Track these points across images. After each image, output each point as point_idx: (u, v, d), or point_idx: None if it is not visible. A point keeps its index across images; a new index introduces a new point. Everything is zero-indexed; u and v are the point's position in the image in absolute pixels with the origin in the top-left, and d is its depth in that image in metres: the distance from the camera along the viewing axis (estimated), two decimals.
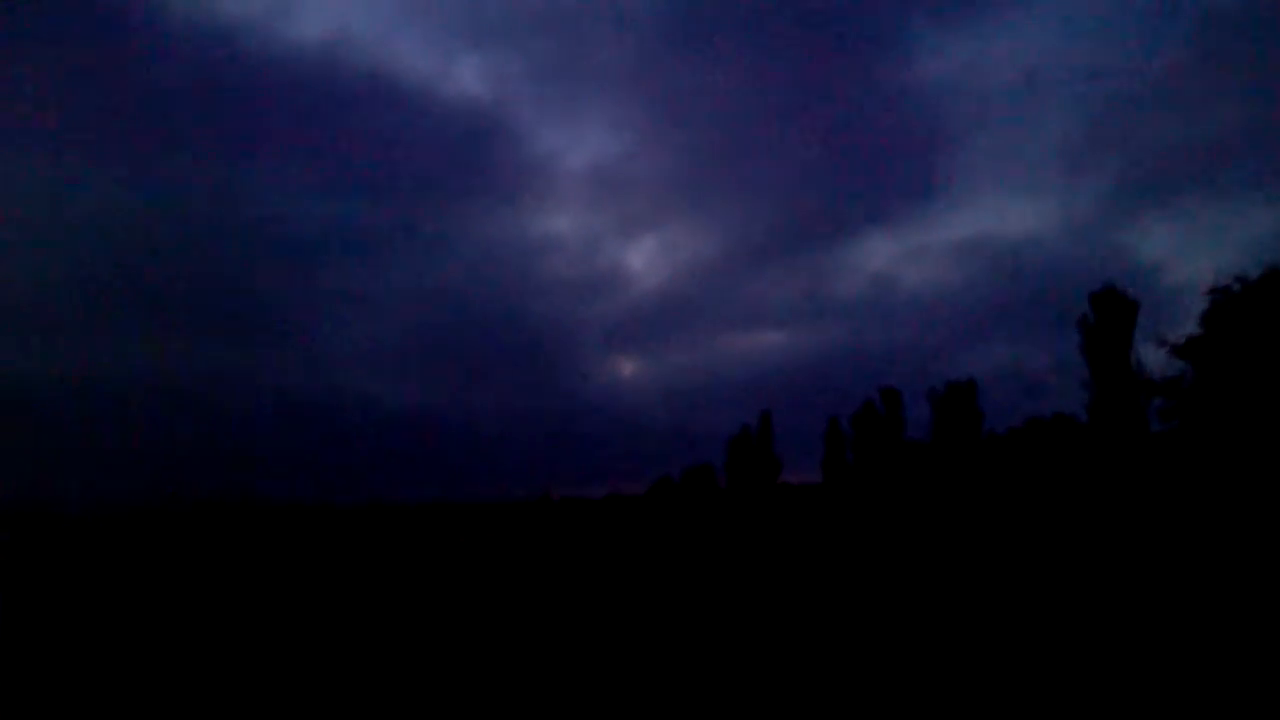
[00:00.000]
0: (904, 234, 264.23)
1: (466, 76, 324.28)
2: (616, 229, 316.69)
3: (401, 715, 9.17)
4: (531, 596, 20.82)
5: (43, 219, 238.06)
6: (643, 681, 10.31)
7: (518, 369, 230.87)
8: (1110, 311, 32.37)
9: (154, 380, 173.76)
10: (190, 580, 27.81)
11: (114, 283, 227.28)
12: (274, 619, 18.01)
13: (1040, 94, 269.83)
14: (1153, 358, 33.68)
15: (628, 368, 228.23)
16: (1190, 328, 25.25)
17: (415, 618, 17.61)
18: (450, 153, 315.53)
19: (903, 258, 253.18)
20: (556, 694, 9.84)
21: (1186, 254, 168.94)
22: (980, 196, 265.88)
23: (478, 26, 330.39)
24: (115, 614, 18.63)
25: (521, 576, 26.39)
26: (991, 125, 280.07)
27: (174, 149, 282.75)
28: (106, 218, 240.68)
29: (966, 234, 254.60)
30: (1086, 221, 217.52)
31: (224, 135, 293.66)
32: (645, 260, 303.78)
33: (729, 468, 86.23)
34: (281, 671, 12.02)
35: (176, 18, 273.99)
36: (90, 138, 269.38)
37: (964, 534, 36.00)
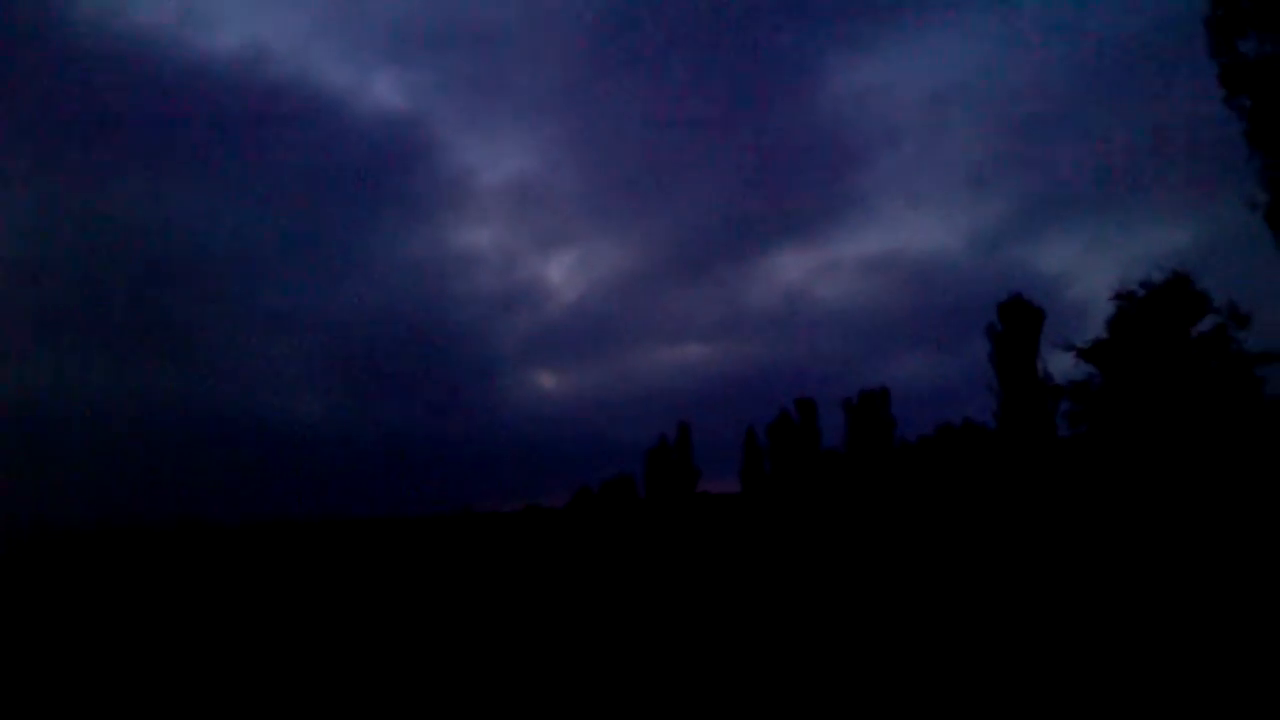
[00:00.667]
0: (817, 249, 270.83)
1: (384, 90, 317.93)
2: (535, 243, 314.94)
3: None
4: (454, 609, 20.29)
5: None
6: (567, 694, 10.08)
7: (437, 384, 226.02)
8: (1017, 320, 33.34)
9: (71, 405, 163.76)
10: (131, 602, 26.08)
11: (19, 307, 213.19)
12: (202, 640, 17.16)
13: (947, 115, 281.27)
14: (1058, 365, 34.98)
15: (547, 381, 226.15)
16: (1095, 334, 26.09)
17: (339, 634, 17.09)
18: (369, 166, 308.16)
19: (816, 272, 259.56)
20: (481, 708, 9.61)
21: (1087, 269, 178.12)
22: (890, 213, 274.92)
23: (396, 40, 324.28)
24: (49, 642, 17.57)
25: (445, 591, 25.63)
26: (900, 144, 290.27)
27: (80, 164, 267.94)
28: (9, 238, 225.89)
29: (877, 249, 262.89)
30: (992, 237, 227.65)
31: (132, 149, 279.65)
32: (564, 274, 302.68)
33: (648, 478, 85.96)
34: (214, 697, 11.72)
35: (81, 24, 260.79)
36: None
37: (878, 540, 36.54)
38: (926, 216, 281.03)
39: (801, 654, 11.59)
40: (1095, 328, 26.38)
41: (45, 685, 14.73)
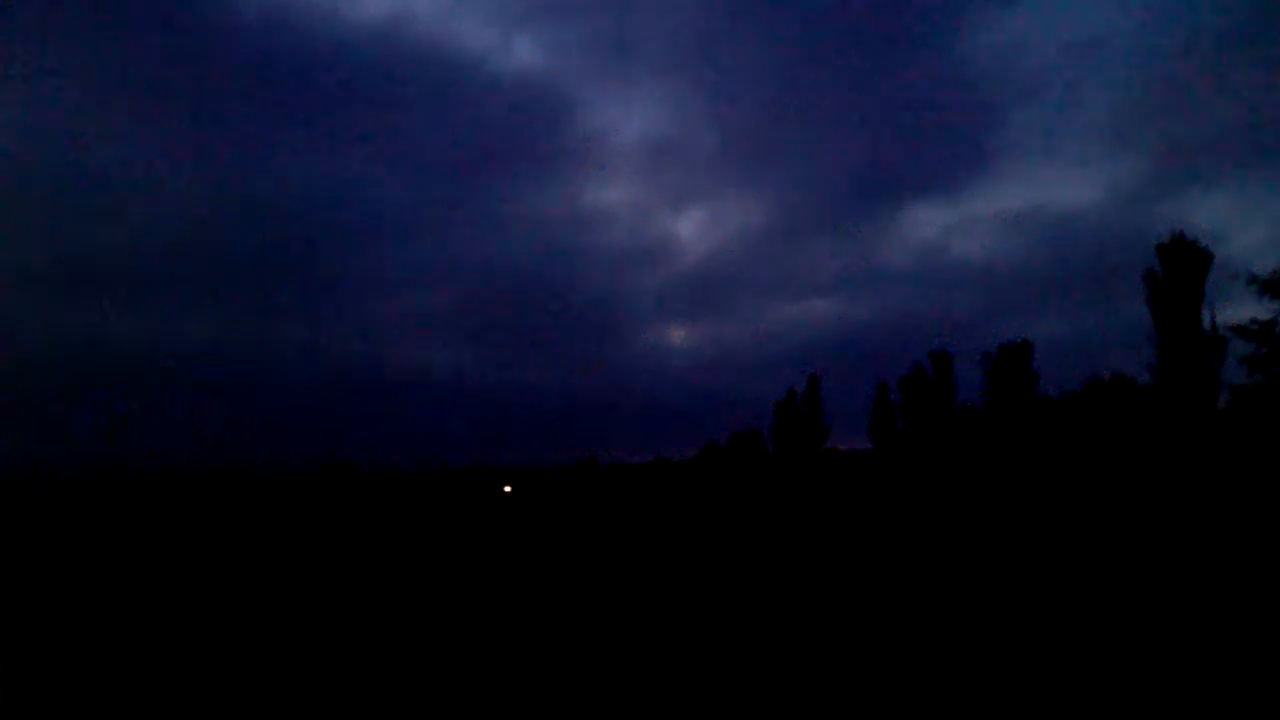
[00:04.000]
0: (953, 204, 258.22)
1: (522, 52, 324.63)
2: (668, 200, 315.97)
3: (452, 667, 9.19)
4: (578, 559, 20.91)
5: (114, 198, 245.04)
6: (689, 644, 9.99)
7: (570, 338, 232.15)
8: (1180, 262, 30.37)
9: (221, 353, 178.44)
10: (253, 543, 28.45)
11: (182, 261, 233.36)
12: (335, 576, 18.60)
13: (1087, 69, 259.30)
14: (1227, 317, 31.78)
15: (677, 336, 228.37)
16: (1250, 305, 23.20)
17: (464, 578, 17.44)
18: (506, 127, 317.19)
19: (952, 228, 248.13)
20: (601, 654, 9.62)
21: (1236, 228, 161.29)
22: (1028, 168, 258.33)
23: (533, 2, 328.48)
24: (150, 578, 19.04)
25: (567, 540, 26.43)
26: (1039, 99, 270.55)
27: (241, 132, 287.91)
28: (176, 198, 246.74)
29: (1015, 204, 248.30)
30: (1134, 193, 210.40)
31: (289, 116, 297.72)
32: (695, 230, 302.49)
33: (776, 433, 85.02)
34: (342, 622, 12.16)
35: (244, 3, 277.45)
36: (162, 122, 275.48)
37: (1018, 501, 34.68)
38: (1066, 172, 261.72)
39: (936, 617, 11.12)
40: (1247, 292, 23.58)
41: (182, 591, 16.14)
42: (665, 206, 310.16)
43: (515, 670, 9.05)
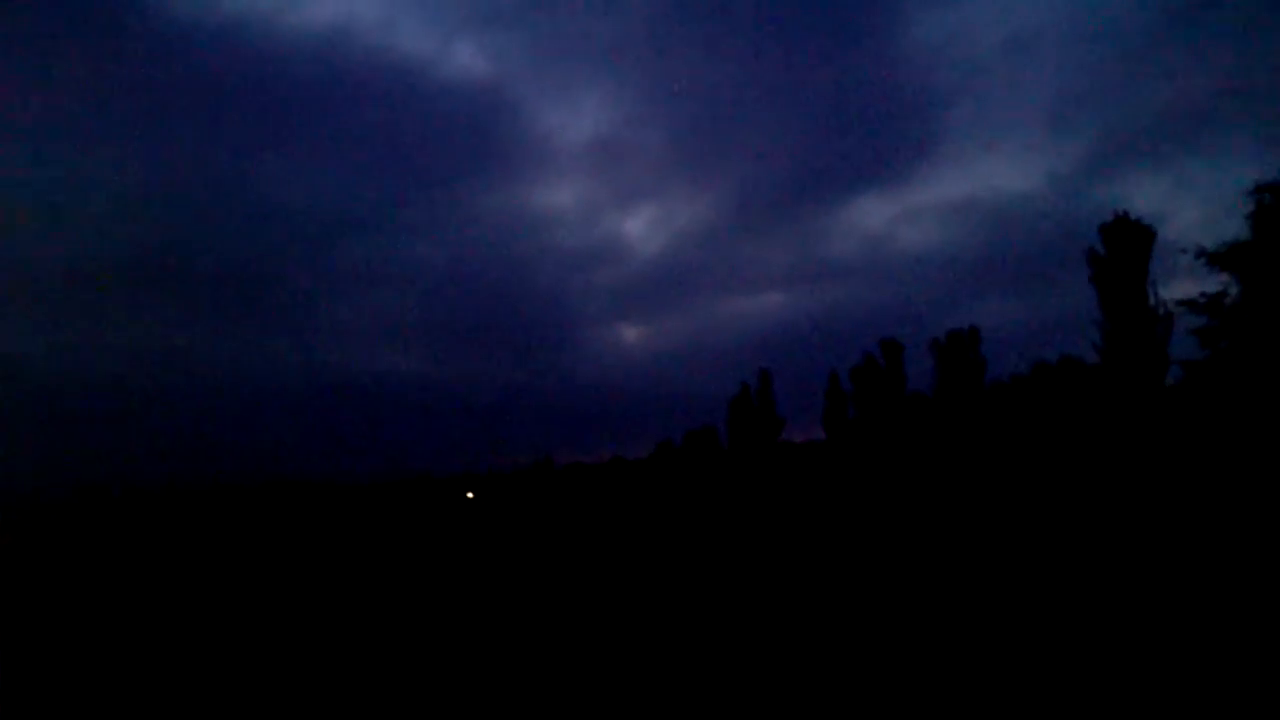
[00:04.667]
0: (897, 195, 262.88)
1: (466, 57, 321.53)
2: (615, 199, 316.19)
3: (415, 682, 9.04)
4: (539, 558, 20.60)
5: (64, 210, 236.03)
6: (651, 642, 10.03)
7: (521, 339, 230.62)
8: (1123, 241, 30.48)
9: (172, 363, 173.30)
10: (207, 557, 27.48)
11: (133, 270, 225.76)
12: (292, 592, 18.08)
13: (1025, 58, 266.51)
14: (1166, 293, 32.04)
15: (629, 334, 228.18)
16: (1188, 283, 23.24)
17: (424, 585, 17.39)
18: (453, 131, 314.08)
19: (897, 218, 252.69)
20: (565, 655, 9.69)
21: (1172, 210, 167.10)
22: (970, 157, 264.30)
23: (476, 7, 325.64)
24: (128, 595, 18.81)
25: (531, 542, 25.91)
26: (979, 88, 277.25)
27: (187, 141, 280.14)
28: (124, 209, 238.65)
29: (958, 193, 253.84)
30: (1073, 179, 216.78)
31: (234, 125, 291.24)
32: (644, 229, 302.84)
33: (731, 428, 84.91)
34: (295, 642, 12.08)
35: (183, 15, 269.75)
36: (106, 132, 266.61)
37: (970, 484, 34.75)
38: (1007, 160, 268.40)
39: (889, 605, 11.14)
40: (1191, 269, 23.64)
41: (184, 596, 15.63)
42: (614, 206, 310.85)
43: (486, 671, 9.08)
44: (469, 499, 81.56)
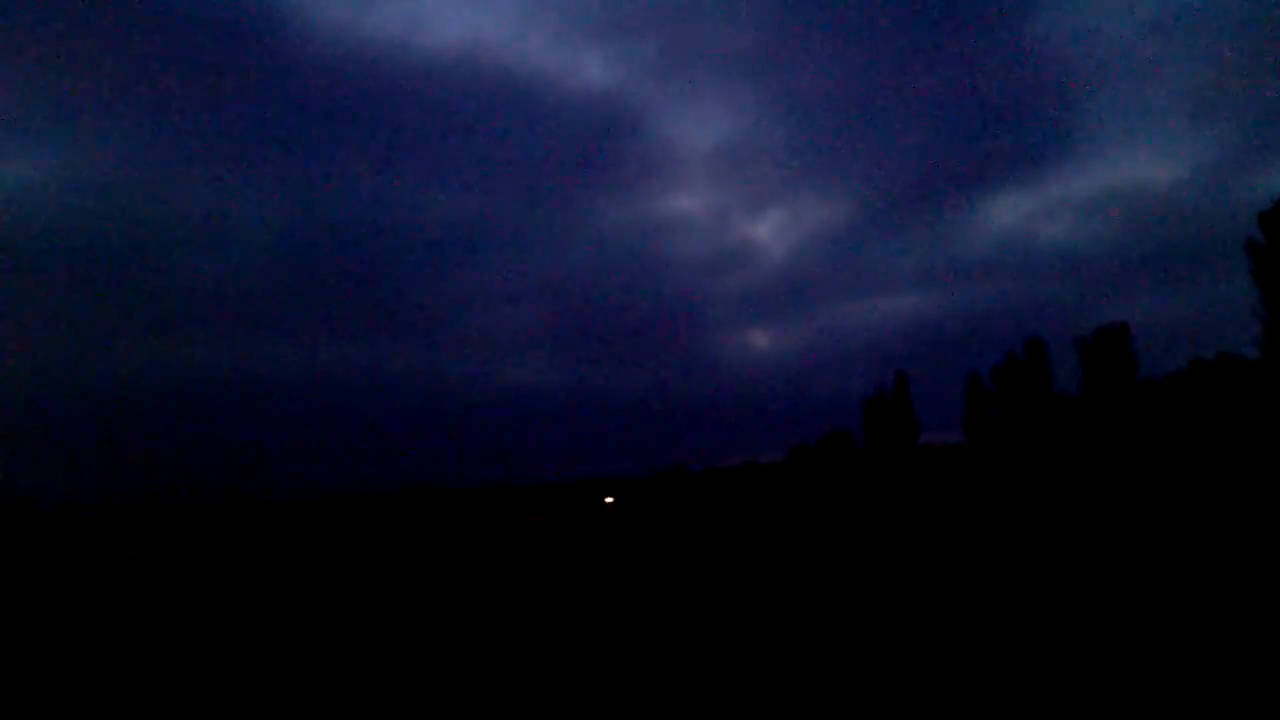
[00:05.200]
0: (1034, 191, 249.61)
1: (592, 70, 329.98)
2: (743, 204, 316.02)
3: (574, 676, 9.34)
4: (680, 566, 21.28)
5: (211, 227, 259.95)
6: (790, 648, 10.02)
7: (653, 346, 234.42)
8: None
9: (312, 373, 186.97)
10: (364, 558, 29.65)
11: (272, 284, 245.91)
12: (438, 593, 19.46)
13: (1165, 41, 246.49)
14: None
15: (760, 338, 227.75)
16: None
17: (576, 589, 17.78)
18: (580, 143, 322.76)
19: (1034, 214, 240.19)
20: (707, 660, 9.68)
21: None
22: (1109, 149, 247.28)
23: (600, 21, 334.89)
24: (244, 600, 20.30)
25: (669, 548, 26.67)
26: (1116, 77, 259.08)
27: (327, 163, 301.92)
28: (267, 225, 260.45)
29: (1097, 187, 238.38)
30: (1221, 167, 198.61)
31: (370, 144, 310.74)
32: (772, 233, 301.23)
33: (866, 431, 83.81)
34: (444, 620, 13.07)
35: (323, 39, 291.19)
36: (247, 157, 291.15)
37: (1124, 489, 33.54)
38: (1149, 150, 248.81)
39: (1045, 618, 10.56)
40: None
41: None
42: (742, 211, 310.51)
43: (632, 678, 9.10)
44: (608, 504, 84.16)
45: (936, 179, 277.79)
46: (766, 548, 24.02)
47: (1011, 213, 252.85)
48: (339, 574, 26.52)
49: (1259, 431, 30.80)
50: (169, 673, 11.46)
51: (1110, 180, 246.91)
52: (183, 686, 10.56)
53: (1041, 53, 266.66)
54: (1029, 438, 56.46)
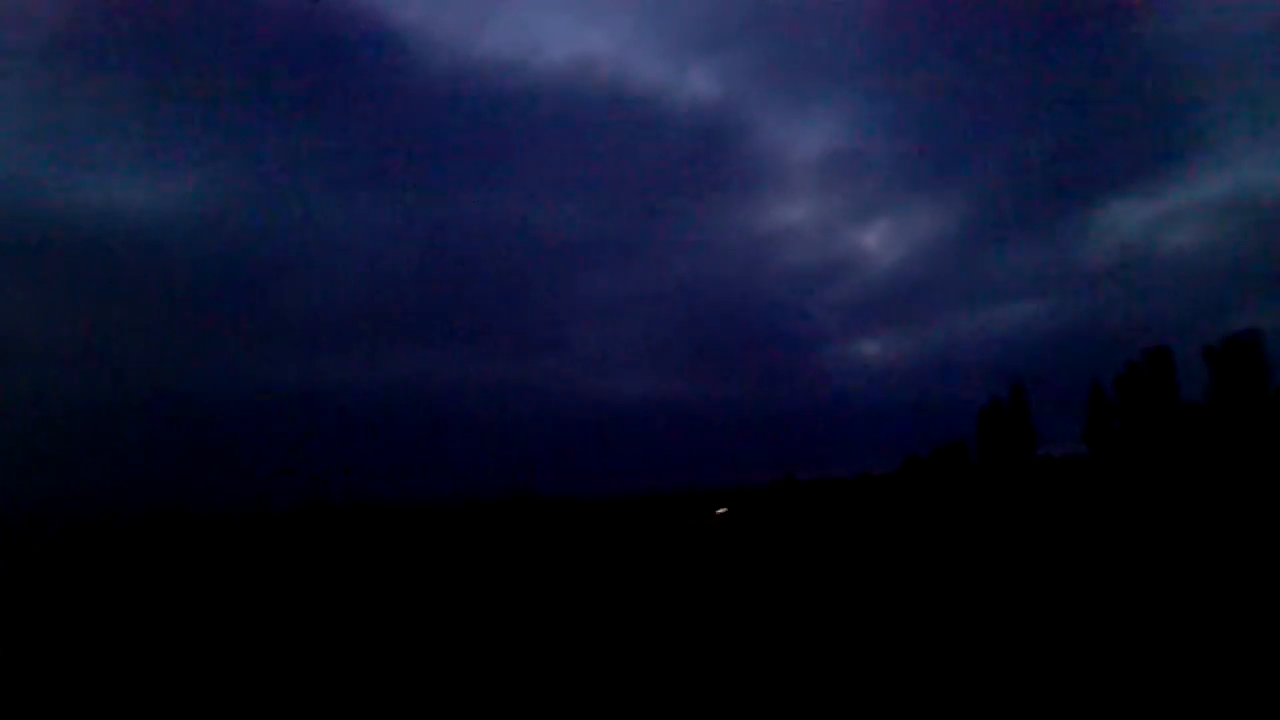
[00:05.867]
0: (1155, 196, 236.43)
1: (698, 82, 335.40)
2: (851, 213, 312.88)
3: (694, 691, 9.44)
4: (790, 575, 20.99)
5: (325, 248, 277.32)
6: (901, 657, 10.18)
7: (759, 357, 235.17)
8: None
9: (423, 387, 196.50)
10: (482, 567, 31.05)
11: (389, 303, 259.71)
12: (545, 608, 18.08)
13: None
14: None
15: (870, 348, 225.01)
16: None
17: (685, 603, 17.70)
18: (687, 156, 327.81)
19: (1156, 220, 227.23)
20: (817, 676, 9.74)
21: None
22: (1234, 153, 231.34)
23: (706, 34, 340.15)
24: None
25: (776, 559, 27.43)
26: (1241, 78, 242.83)
27: (440, 180, 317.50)
28: (380, 245, 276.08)
29: (1224, 191, 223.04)
30: None
31: (482, 163, 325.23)
32: (881, 241, 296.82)
33: (980, 442, 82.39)
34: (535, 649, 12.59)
35: (437, 62, 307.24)
36: (366, 180, 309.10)
37: (1254, 501, 32.67)
38: (1278, 153, 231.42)
39: (1171, 637, 10.28)
40: None
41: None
42: (849, 219, 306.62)
43: (744, 690, 9.27)
44: (718, 515, 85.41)
45: (1053, 184, 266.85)
46: (879, 560, 24.35)
47: (1133, 218, 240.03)
48: (455, 582, 27.55)
49: None
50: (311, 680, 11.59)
51: (1238, 184, 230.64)
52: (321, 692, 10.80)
53: (1165, 53, 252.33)
54: (1154, 448, 54.80)
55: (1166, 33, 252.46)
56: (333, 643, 14.94)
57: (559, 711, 9.18)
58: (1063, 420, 77.13)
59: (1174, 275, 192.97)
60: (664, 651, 12.05)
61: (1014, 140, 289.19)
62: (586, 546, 42.25)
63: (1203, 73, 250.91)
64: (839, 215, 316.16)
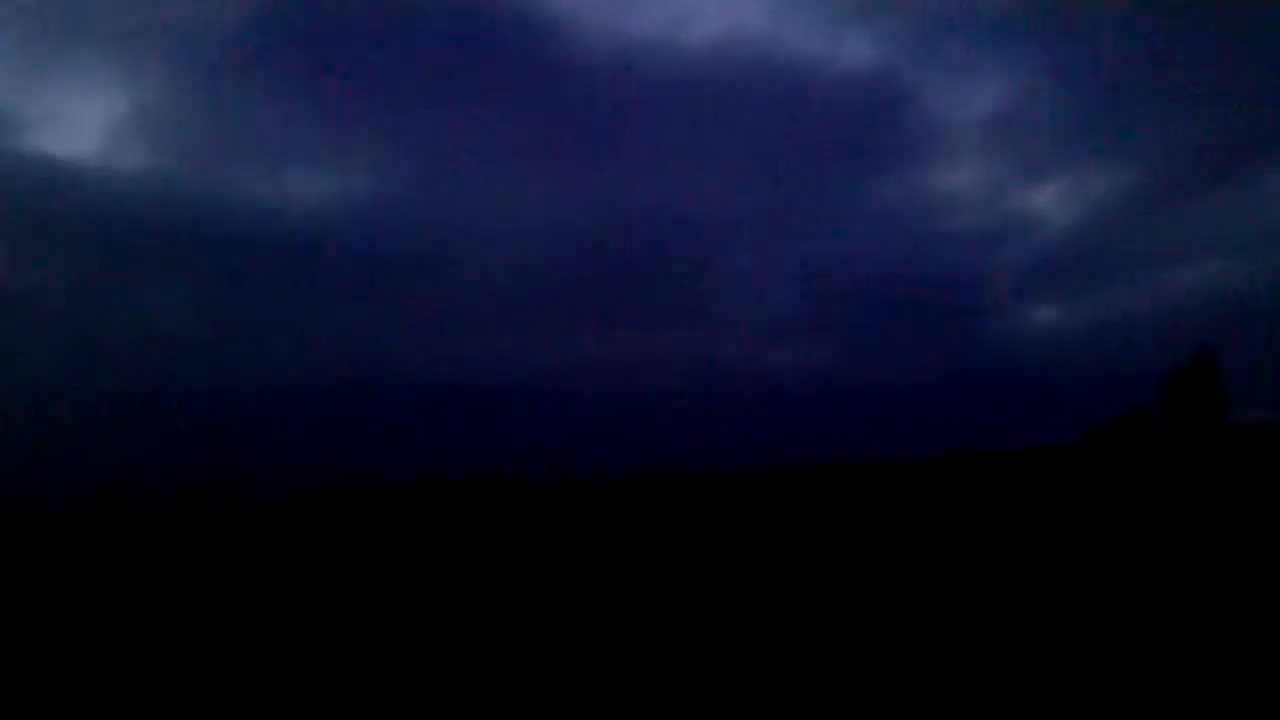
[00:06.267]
0: None
1: (854, 49, 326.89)
2: (1020, 174, 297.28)
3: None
4: (963, 549, 21.24)
5: (487, 230, 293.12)
6: (1087, 638, 10.10)
7: (926, 325, 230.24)
8: None
9: (580, 364, 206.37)
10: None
11: (549, 287, 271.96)
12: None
13: None
14: None
15: (1043, 313, 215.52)
16: None
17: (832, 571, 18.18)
18: (846, 124, 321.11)
19: None
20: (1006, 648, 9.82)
21: None
22: None
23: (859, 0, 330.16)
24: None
25: (948, 531, 28.20)
26: None
27: (593, 159, 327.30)
28: (544, 221, 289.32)
29: None
30: None
31: (639, 141, 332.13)
32: (1054, 202, 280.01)
33: (1166, 410, 79.14)
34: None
35: (591, 46, 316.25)
36: (525, 159, 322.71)
37: None
38: None
39: None
40: None
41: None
42: (1019, 180, 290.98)
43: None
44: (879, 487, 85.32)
45: (1242, 138, 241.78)
46: (1058, 534, 23.51)
47: None
48: (600, 559, 26.99)
49: None
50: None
51: None
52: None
53: None
54: None
55: None
56: (453, 613, 15.56)
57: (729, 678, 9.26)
58: (1257, 387, 72.85)
59: None
60: (839, 626, 12.23)
61: (1201, 91, 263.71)
62: (750, 519, 43.18)
63: None
64: (1008, 178, 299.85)
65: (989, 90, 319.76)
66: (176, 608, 18.50)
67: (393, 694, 9.34)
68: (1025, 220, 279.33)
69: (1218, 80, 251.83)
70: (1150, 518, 27.21)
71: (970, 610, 12.76)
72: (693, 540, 31.56)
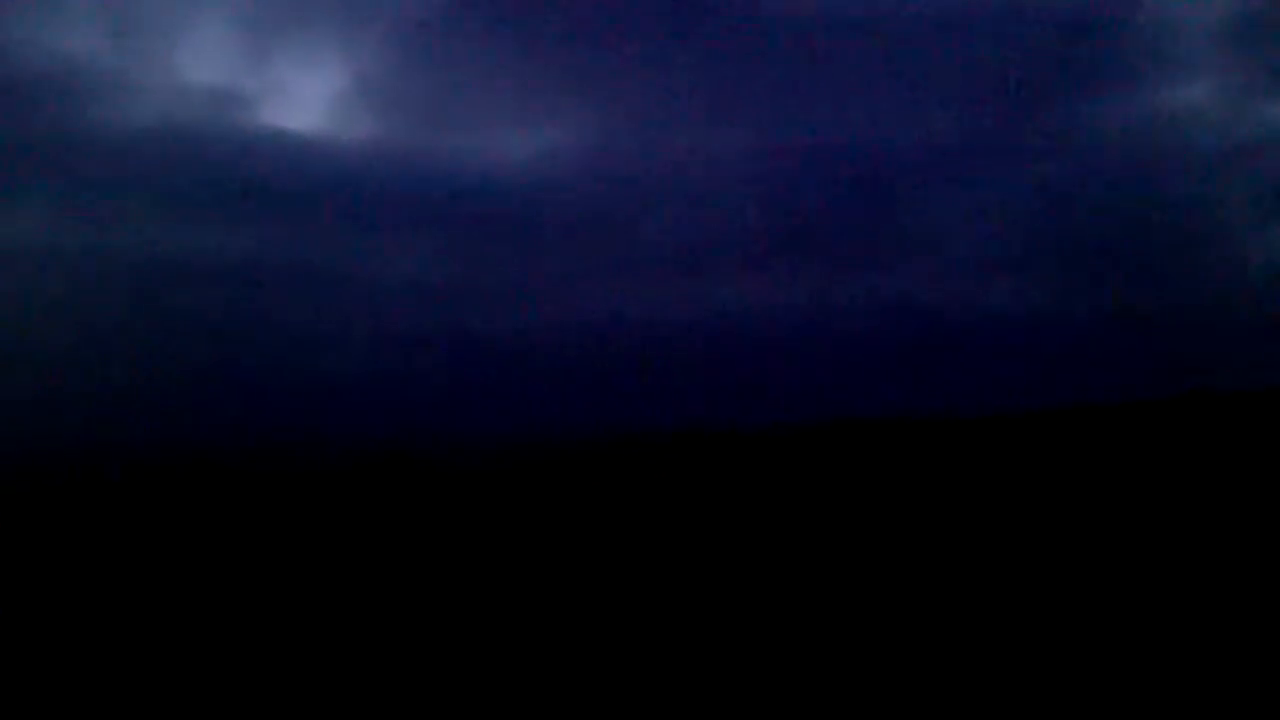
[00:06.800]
0: None
1: None
2: (1262, 86, 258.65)
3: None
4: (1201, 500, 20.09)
5: (687, 177, 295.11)
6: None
7: (1156, 255, 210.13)
8: None
9: (776, 309, 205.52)
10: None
11: (758, 229, 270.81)
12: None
13: None
14: None
15: None
16: None
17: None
18: (1064, 44, 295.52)
19: None
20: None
21: None
22: None
23: None
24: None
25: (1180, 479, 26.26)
26: None
27: (803, 107, 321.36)
28: (746, 174, 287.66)
29: None
30: None
31: (845, 79, 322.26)
32: None
33: None
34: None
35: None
36: (727, 108, 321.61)
37: None
38: None
39: None
40: None
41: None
42: (1259, 94, 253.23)
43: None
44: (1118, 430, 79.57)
45: None
46: None
47: None
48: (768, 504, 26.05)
49: None
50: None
51: None
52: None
53: None
54: None
55: None
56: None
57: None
58: None
59: None
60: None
61: None
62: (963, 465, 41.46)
63: None
64: (1248, 89, 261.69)
65: None
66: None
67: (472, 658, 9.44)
68: (1269, 135, 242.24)
69: None
70: None
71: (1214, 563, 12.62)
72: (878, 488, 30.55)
